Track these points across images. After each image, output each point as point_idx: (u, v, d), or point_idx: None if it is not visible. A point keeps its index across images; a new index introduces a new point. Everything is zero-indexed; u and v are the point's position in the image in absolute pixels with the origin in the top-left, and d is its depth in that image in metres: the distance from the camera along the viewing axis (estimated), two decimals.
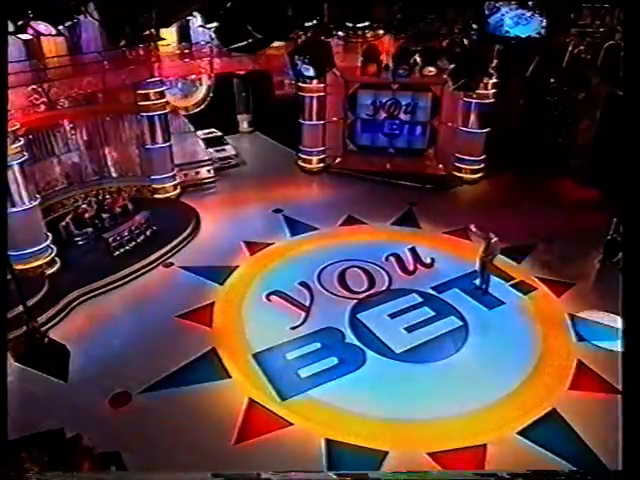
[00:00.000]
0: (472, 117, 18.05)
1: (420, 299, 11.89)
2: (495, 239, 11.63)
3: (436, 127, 19.43)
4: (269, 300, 12.01)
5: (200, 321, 11.27)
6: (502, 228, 12.22)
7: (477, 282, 12.38)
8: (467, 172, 18.92)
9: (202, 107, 23.64)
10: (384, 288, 12.46)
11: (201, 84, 23.47)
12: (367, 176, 19.20)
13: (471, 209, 17.12)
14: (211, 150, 19.71)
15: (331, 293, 12.23)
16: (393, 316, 11.29)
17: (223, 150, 20.38)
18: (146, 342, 10.56)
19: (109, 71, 13.17)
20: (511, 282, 12.60)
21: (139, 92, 15.36)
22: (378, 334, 10.70)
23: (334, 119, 19.75)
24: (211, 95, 23.61)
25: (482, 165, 18.96)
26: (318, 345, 10.37)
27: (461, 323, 11.09)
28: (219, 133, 21.26)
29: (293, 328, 10.97)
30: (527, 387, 9.35)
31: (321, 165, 20.28)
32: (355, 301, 11.88)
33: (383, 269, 13.22)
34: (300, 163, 20.37)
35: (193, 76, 22.87)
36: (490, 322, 11.18)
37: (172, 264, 13.64)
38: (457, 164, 18.99)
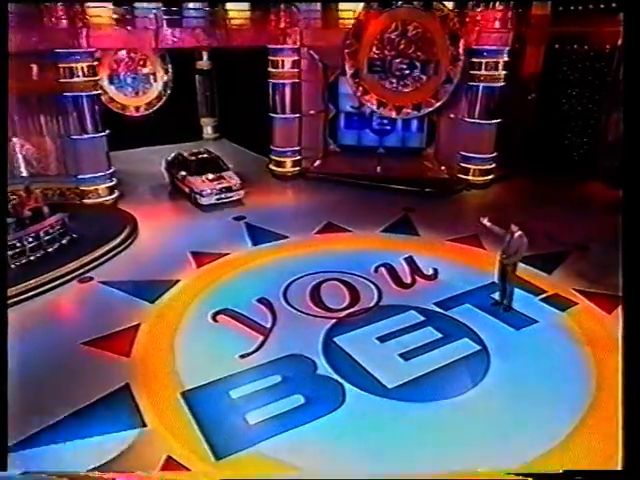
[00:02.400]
0: (479, 104, 16.37)
1: (421, 317, 9.81)
2: (518, 233, 9.63)
3: (435, 120, 17.76)
4: (215, 321, 9.79)
5: (114, 349, 8.95)
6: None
7: (496, 296, 10.31)
8: (475, 174, 17.10)
9: (157, 107, 22.06)
10: (372, 305, 10.30)
11: (155, 80, 21.82)
12: (353, 180, 17.33)
13: (482, 214, 15.19)
14: (205, 180, 15.47)
15: (300, 312, 10.09)
16: (384, 339, 9.19)
17: (221, 178, 15.70)
18: (33, 379, 8.20)
19: (12, 30, 11.21)
20: (542, 296, 10.56)
21: (61, 66, 13.43)
22: (363, 363, 8.54)
23: (311, 112, 18.04)
24: (168, 93, 22.05)
25: (493, 165, 17.16)
26: (278, 378, 8.15)
27: (478, 347, 8.94)
28: (214, 154, 16.88)
29: (244, 356, 8.74)
30: (578, 438, 7.03)
31: (297, 169, 18.40)
32: (333, 321, 9.71)
33: (371, 282, 11.12)
34: (271, 167, 18.47)
35: (146, 70, 21.38)
36: (519, 346, 9.06)
37: (91, 279, 11.39)
38: (463, 164, 17.22)
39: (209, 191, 15.21)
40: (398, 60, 16.53)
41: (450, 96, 16.49)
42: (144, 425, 7.34)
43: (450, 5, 16.07)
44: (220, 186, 15.38)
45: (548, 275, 11.45)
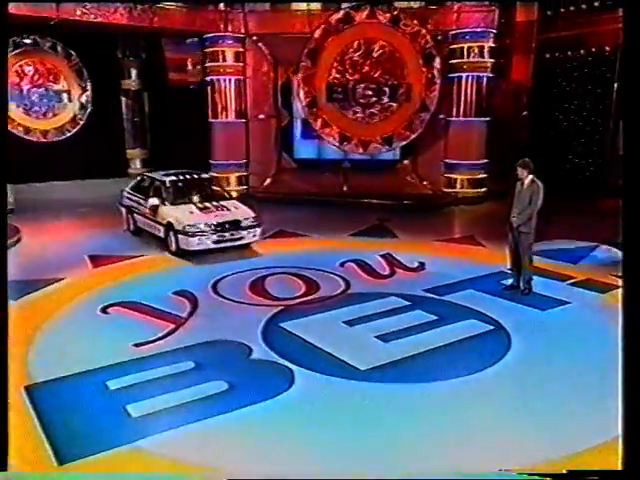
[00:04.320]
0: (464, 99, 15.60)
1: (406, 302, 8.09)
2: (529, 178, 8.29)
3: None
4: (106, 313, 7.77)
5: None
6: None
7: (509, 283, 8.82)
8: (464, 185, 15.99)
9: (71, 133, 20.66)
10: (337, 293, 8.54)
11: (70, 99, 20.70)
12: (313, 198, 15.94)
13: (477, 222, 13.93)
14: (195, 210, 10.77)
15: (234, 301, 8.25)
16: (354, 323, 7.43)
17: (221, 208, 11.00)
18: None
19: None
20: (571, 281, 9.20)
21: None
22: (323, 346, 6.64)
23: (260, 117, 16.95)
24: (86, 116, 20.80)
25: (485, 174, 16.04)
26: (189, 365, 6.16)
27: (491, 327, 7.16)
28: (205, 174, 13.28)
29: (141, 345, 6.65)
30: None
31: (243, 188, 16.94)
32: (279, 308, 7.85)
33: (335, 274, 9.47)
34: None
35: (58, 86, 20.27)
36: (548, 326, 7.42)
37: None
38: (448, 174, 16.07)
39: (202, 227, 10.31)
40: (362, 85, 16.19)
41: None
42: None
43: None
44: (221, 219, 10.59)
45: (574, 265, 9.98)
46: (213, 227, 10.40)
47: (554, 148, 18.15)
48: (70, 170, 20.67)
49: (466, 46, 15.31)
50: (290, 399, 5.46)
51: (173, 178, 11.76)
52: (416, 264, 10.01)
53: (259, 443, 4.76)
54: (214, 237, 10.39)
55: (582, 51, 17.96)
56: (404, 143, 16.44)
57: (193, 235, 10.22)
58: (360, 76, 16.11)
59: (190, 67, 19.14)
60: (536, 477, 3.31)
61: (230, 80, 16.20)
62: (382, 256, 10.41)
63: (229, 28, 15.72)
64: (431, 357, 6.35)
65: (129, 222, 12.48)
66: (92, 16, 13.90)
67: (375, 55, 15.97)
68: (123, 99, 21.97)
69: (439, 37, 15.68)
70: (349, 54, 16.06)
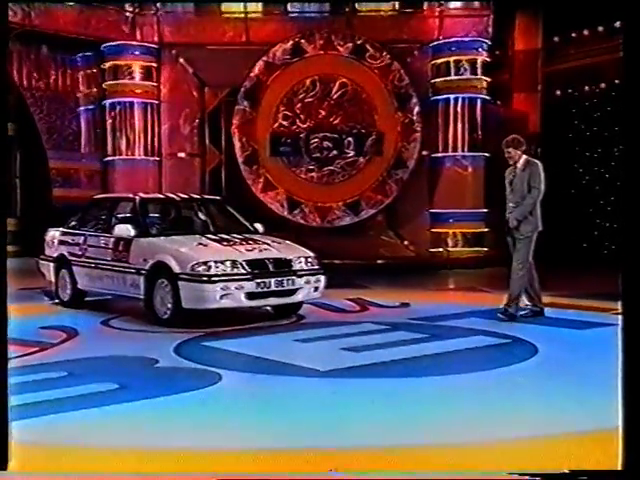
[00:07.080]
0: (454, 128, 16.08)
1: (385, 327, 8.50)
2: (523, 159, 8.64)
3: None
4: None
5: None
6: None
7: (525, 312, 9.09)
8: (457, 241, 16.12)
9: None
10: (285, 323, 8.99)
11: None
12: None
13: (478, 278, 14.14)
14: (208, 242, 8.69)
15: (134, 331, 8.61)
16: (309, 341, 7.77)
17: (257, 243, 8.76)
18: None
19: None
20: (613, 312, 9.51)
21: None
22: (263, 355, 7.03)
23: (180, 155, 17.08)
24: None
25: (484, 227, 16.24)
26: (62, 374, 6.29)
27: (507, 340, 7.74)
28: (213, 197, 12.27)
29: None
30: None
31: None
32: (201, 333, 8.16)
33: None
34: None
35: None
36: (591, 341, 8.01)
37: None
38: (435, 228, 16.25)
39: (227, 267, 8.00)
40: (319, 135, 16.61)
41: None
42: None
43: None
44: (260, 255, 8.41)
45: (615, 302, 10.11)
46: (247, 268, 8.07)
47: (574, 210, 18.56)
48: None
49: (452, 60, 15.94)
50: (213, 393, 5.62)
51: (160, 196, 10.91)
52: (397, 304, 10.28)
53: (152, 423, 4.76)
54: (250, 285, 8.03)
55: (602, 84, 18.87)
56: (375, 211, 16.68)
57: (211, 280, 7.86)
58: (315, 123, 16.51)
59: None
60: (527, 477, 3.81)
61: (137, 104, 16.36)
62: (350, 299, 10.58)
63: (137, 35, 16.09)
64: (420, 361, 6.60)
65: (62, 284, 9.97)
66: None
67: (334, 96, 16.48)
68: None
69: (415, 52, 16.31)
70: (300, 95, 16.52)
